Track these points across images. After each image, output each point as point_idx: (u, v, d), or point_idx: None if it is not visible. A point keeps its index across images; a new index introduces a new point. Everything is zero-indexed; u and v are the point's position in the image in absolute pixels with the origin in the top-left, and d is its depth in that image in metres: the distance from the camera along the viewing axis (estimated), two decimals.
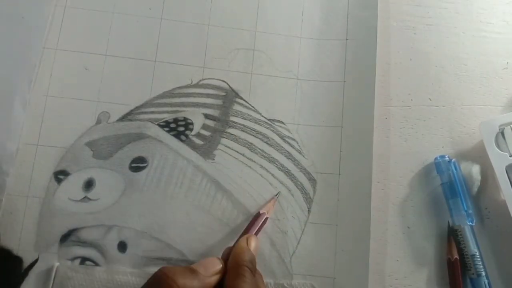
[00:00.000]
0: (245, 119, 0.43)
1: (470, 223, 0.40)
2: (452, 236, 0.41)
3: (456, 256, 0.40)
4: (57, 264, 0.38)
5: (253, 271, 0.35)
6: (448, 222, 0.41)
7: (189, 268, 0.33)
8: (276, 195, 0.41)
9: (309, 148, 0.43)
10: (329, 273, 0.40)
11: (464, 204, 0.41)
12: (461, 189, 0.41)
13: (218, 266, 0.34)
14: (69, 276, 0.38)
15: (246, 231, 0.39)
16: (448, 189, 0.41)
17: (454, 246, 0.40)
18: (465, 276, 0.40)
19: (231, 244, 0.37)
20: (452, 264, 0.40)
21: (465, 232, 0.40)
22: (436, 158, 0.43)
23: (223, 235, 0.40)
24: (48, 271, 0.38)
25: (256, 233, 0.38)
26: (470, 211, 0.41)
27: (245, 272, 0.34)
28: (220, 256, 0.36)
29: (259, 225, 0.39)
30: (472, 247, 0.40)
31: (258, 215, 0.39)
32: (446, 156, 0.42)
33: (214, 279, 0.34)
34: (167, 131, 0.42)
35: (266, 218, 0.40)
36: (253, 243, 0.37)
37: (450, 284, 0.40)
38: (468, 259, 0.40)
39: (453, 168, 0.42)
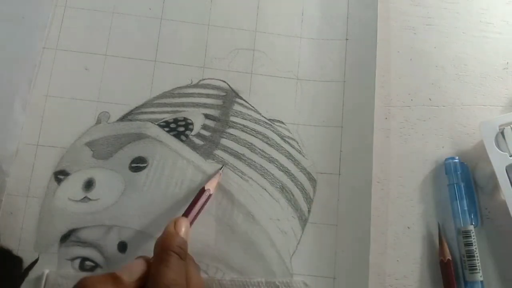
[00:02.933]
0: (245, 119, 0.43)
1: (475, 225, 0.41)
2: (444, 237, 0.41)
3: (448, 257, 0.40)
4: (47, 271, 0.38)
5: (182, 256, 0.33)
6: (438, 224, 0.42)
7: (111, 275, 0.31)
8: (220, 169, 0.41)
9: (309, 148, 0.43)
10: (329, 273, 0.40)
11: (474, 206, 0.41)
12: (470, 191, 0.41)
13: (143, 268, 0.32)
14: (60, 283, 0.38)
15: (189, 208, 0.37)
16: (457, 191, 0.41)
17: (446, 247, 0.40)
18: (458, 278, 0.40)
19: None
20: (445, 266, 0.40)
21: (473, 234, 0.40)
22: (446, 159, 0.43)
23: (223, 235, 0.40)
24: (38, 278, 0.38)
25: (197, 211, 0.37)
26: (477, 213, 0.41)
27: (170, 257, 0.32)
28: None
29: (203, 202, 0.38)
30: (477, 249, 0.40)
31: (202, 191, 0.38)
32: (456, 158, 0.42)
33: (139, 283, 0.32)
34: (167, 131, 0.42)
35: (210, 195, 0.39)
36: (183, 227, 0.35)
37: (444, 286, 0.40)
38: (476, 261, 0.40)
39: (463, 170, 0.42)
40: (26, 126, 0.41)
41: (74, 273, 0.38)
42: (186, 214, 0.37)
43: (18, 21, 0.43)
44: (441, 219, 0.42)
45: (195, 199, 0.38)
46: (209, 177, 0.40)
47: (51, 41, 0.43)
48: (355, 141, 0.43)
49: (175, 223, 0.35)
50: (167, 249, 0.33)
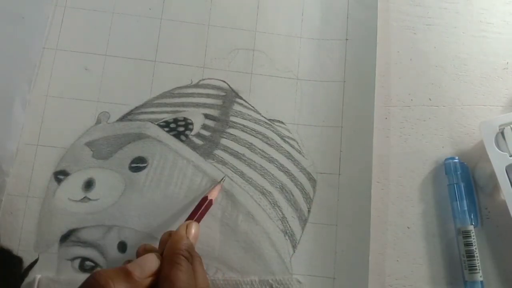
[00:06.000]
0: (245, 119, 0.43)
1: (475, 225, 0.41)
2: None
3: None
4: (38, 276, 0.38)
5: (190, 259, 0.34)
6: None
7: (124, 270, 0.31)
8: (221, 179, 0.41)
9: (309, 148, 0.43)
10: (329, 273, 0.40)
11: (474, 206, 0.41)
12: (470, 191, 0.41)
13: (155, 265, 0.33)
14: None
15: (191, 216, 0.38)
16: (457, 191, 0.41)
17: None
18: (458, 278, 0.40)
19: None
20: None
21: (473, 234, 0.40)
22: (446, 159, 0.43)
23: (223, 235, 0.40)
24: (30, 284, 0.38)
25: (200, 217, 0.38)
26: (477, 213, 0.41)
27: (181, 260, 0.33)
28: (159, 241, 0.36)
29: (202, 208, 0.38)
30: (477, 249, 0.40)
31: (204, 199, 0.39)
32: (456, 158, 0.42)
33: (149, 280, 0.32)
34: (167, 131, 0.42)
35: (211, 202, 0.39)
36: (192, 230, 0.36)
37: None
38: (476, 261, 0.40)
39: (463, 170, 0.42)
40: (26, 126, 0.41)
41: (66, 278, 0.38)
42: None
43: (18, 21, 0.43)
44: (441, 219, 0.42)
45: (197, 207, 0.38)
46: (212, 185, 0.41)
47: (51, 41, 0.43)
48: (355, 141, 0.43)
49: (187, 226, 0.36)
50: (178, 252, 0.33)
